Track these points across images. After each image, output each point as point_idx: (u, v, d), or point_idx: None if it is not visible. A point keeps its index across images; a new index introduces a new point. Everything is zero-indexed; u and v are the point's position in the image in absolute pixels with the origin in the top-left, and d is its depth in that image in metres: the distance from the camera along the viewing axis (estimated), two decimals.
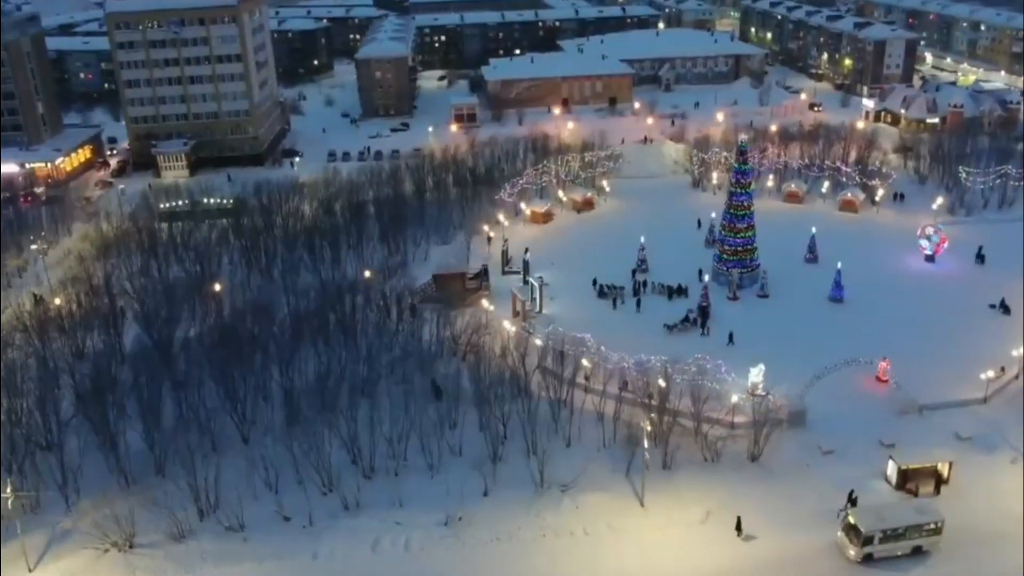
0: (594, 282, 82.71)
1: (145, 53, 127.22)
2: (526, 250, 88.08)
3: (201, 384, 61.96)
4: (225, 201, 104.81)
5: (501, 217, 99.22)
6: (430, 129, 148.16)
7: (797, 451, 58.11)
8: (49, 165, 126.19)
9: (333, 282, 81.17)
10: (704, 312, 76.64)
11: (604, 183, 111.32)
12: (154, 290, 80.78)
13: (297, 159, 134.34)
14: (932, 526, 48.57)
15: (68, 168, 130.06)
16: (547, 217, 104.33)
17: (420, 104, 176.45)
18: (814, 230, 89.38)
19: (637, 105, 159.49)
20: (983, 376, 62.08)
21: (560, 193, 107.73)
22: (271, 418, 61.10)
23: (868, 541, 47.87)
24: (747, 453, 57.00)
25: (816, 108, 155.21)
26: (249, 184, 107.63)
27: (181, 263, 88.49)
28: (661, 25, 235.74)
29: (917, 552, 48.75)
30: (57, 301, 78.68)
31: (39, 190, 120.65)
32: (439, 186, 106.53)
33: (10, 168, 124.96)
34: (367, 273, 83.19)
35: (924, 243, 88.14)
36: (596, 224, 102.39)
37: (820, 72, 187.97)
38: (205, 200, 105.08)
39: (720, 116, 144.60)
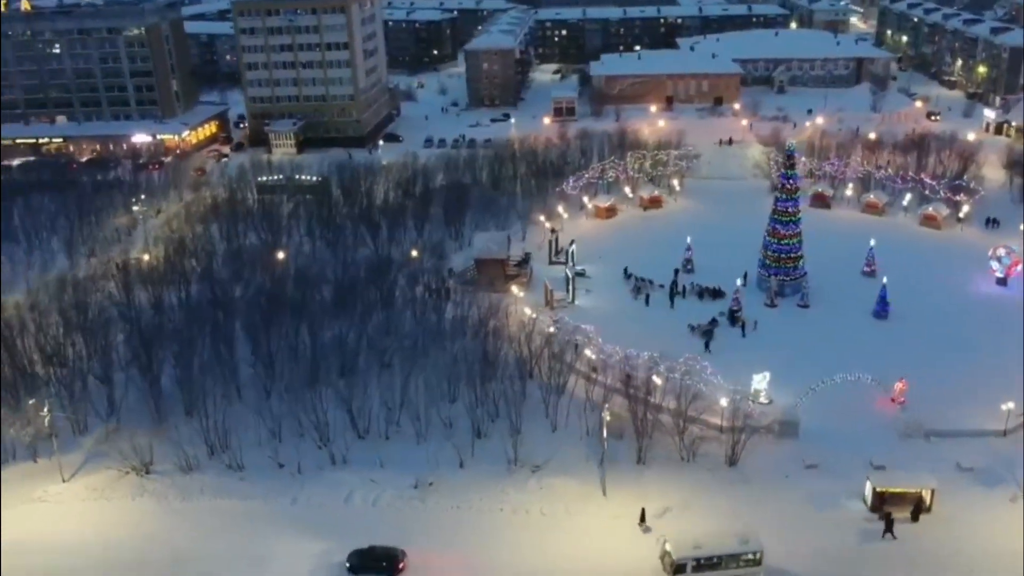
0: (625, 272, 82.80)
1: (264, 39, 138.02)
2: (571, 242, 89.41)
3: (236, 338, 68.45)
4: (313, 178, 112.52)
5: (560, 209, 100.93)
6: (512, 120, 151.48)
7: (780, 461, 56.98)
8: (176, 137, 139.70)
9: (384, 258, 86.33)
10: (733, 316, 75.58)
11: (675, 182, 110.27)
12: (227, 252, 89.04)
13: (381, 143, 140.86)
14: (750, 557, 46.42)
15: (193, 140, 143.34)
16: (610, 212, 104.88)
17: (529, 96, 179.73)
18: (873, 242, 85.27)
19: (737, 106, 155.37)
20: (1004, 407, 58.06)
21: (627, 190, 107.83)
22: (293, 375, 66.37)
23: (680, 569, 46.14)
24: (725, 457, 56.58)
25: (934, 117, 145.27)
26: (352, 164, 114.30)
27: (257, 231, 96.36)
28: (794, 25, 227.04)
29: None
30: (146, 257, 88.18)
31: (166, 159, 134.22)
32: (509, 176, 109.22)
33: (143, 138, 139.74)
34: (413, 252, 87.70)
35: (995, 264, 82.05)
36: (659, 223, 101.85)
37: (952, 79, 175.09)
38: (296, 176, 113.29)
39: (820, 120, 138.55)
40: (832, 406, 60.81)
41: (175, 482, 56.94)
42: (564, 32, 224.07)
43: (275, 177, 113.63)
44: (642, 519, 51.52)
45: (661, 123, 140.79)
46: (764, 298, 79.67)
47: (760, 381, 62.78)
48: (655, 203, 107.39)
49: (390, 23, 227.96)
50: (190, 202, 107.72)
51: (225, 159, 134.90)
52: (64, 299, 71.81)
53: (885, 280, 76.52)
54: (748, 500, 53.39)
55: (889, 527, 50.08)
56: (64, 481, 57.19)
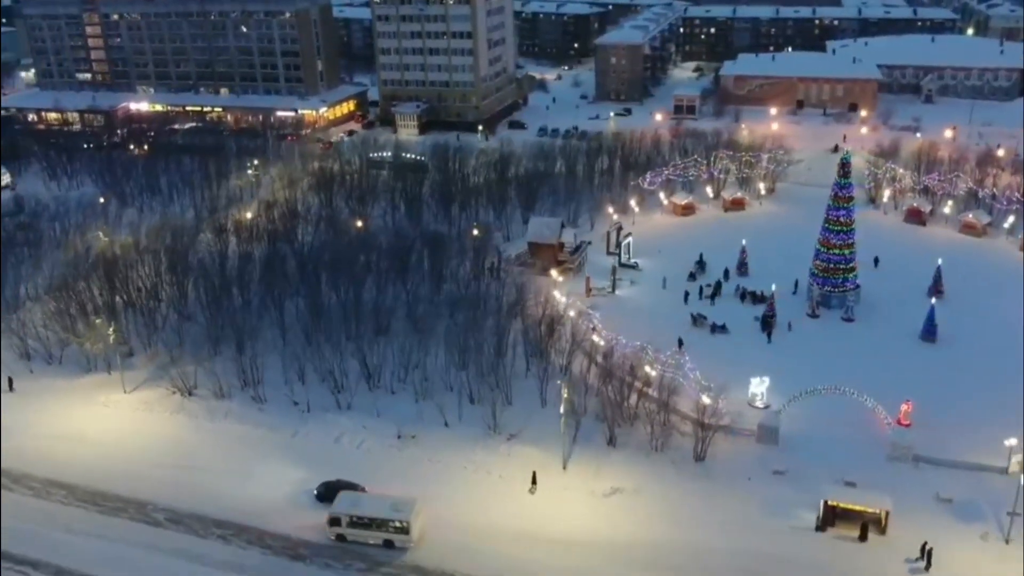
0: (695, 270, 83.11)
1: (396, 26, 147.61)
2: (627, 234, 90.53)
3: (289, 290, 76.46)
4: (416, 157, 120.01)
5: (633, 203, 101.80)
6: (611, 114, 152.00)
7: (750, 464, 56.66)
8: (314, 112, 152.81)
9: (448, 233, 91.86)
10: (766, 322, 74.22)
11: (761, 185, 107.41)
12: (316, 216, 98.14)
13: (480, 128, 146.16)
14: (398, 524, 50.14)
15: (330, 117, 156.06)
16: (687, 210, 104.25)
17: (661, 92, 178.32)
18: (940, 262, 79.84)
19: (864, 113, 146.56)
20: (1007, 443, 54.05)
21: (708, 189, 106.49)
22: (331, 327, 72.93)
23: (336, 522, 50.76)
24: (694, 452, 56.99)
25: None
26: (454, 148, 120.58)
27: (351, 200, 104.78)
28: (970, 31, 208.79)
29: (390, 546, 50.29)
30: (248, 215, 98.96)
31: (304, 132, 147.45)
32: (595, 167, 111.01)
33: (287, 112, 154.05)
34: (475, 231, 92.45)
35: None
36: (735, 225, 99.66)
37: None
38: (402, 154, 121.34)
39: (948, 133, 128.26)
40: (828, 419, 59.46)
41: (208, 406, 65.56)
42: (712, 30, 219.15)
43: (383, 154, 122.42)
44: (533, 482, 54.43)
45: (775, 126, 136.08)
46: (806, 307, 77.44)
47: (757, 385, 62.10)
48: (737, 205, 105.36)
49: (540, 15, 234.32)
50: (305, 171, 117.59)
51: (354, 135, 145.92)
52: (163, 243, 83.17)
53: (934, 301, 72.03)
54: (701, 494, 53.90)
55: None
56: (125, 392, 67.43)
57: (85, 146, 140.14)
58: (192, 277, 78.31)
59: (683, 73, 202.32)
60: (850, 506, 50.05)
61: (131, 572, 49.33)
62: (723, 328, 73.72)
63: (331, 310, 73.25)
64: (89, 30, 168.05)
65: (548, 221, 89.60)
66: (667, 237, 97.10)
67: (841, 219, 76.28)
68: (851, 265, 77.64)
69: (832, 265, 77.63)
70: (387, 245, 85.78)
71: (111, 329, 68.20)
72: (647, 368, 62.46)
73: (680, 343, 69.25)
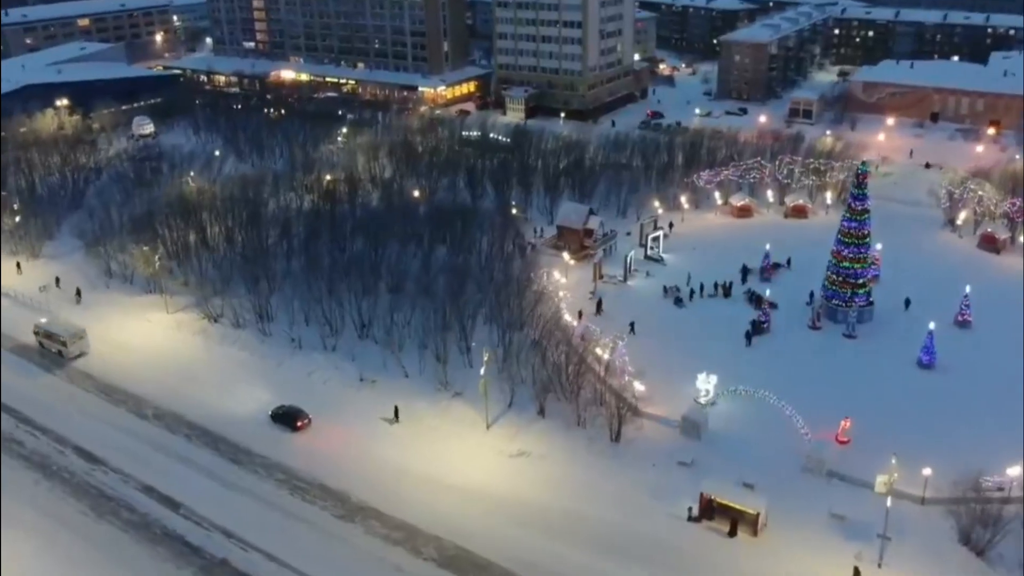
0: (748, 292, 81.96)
1: (514, 12, 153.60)
2: (658, 227, 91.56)
3: (325, 245, 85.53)
4: (503, 139, 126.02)
5: (683, 200, 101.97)
6: (696, 111, 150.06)
7: (662, 452, 58.47)
8: (433, 91, 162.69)
9: (493, 210, 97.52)
10: (755, 327, 73.78)
11: (828, 195, 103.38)
12: (385, 184, 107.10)
13: (562, 115, 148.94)
14: (62, 341, 71.11)
15: (448, 96, 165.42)
16: (744, 212, 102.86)
17: (794, 94, 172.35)
18: (968, 289, 74.71)
19: (991, 131, 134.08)
20: (924, 472, 51.95)
21: (769, 194, 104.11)
22: (351, 278, 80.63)
23: (38, 333, 73.42)
24: (609, 433, 59.49)
25: None
26: (535, 133, 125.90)
27: (425, 174, 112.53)
28: None
29: (60, 355, 71.06)
30: (328, 177, 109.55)
31: (422, 108, 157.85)
32: (662, 162, 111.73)
33: (409, 88, 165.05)
34: (514, 209, 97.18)
35: None
36: (792, 232, 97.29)
37: None
38: (491, 135, 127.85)
39: None
40: (762, 424, 59.80)
41: (224, 332, 76.08)
42: (870, 33, 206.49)
43: (473, 134, 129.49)
44: (396, 416, 62.39)
45: (880, 136, 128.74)
46: (807, 318, 75.76)
47: (703, 381, 62.98)
48: (799, 213, 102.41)
49: (689, 8, 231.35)
50: (391, 141, 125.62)
51: (467, 115, 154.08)
52: (233, 192, 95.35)
53: (932, 326, 68.21)
54: (600, 470, 56.83)
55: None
56: (167, 313, 79.51)
57: (235, 107, 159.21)
58: (244, 224, 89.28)
59: (827, 76, 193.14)
60: (726, 502, 50.92)
61: (111, 449, 60.10)
62: (679, 302, 77.29)
63: (350, 264, 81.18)
64: (255, 3, 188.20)
65: (577, 207, 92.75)
66: (711, 237, 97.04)
67: (854, 231, 73.89)
68: (861, 281, 75.04)
69: (842, 278, 75.40)
70: (428, 215, 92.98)
71: (157, 257, 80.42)
72: (597, 349, 65.25)
73: (632, 327, 71.19)
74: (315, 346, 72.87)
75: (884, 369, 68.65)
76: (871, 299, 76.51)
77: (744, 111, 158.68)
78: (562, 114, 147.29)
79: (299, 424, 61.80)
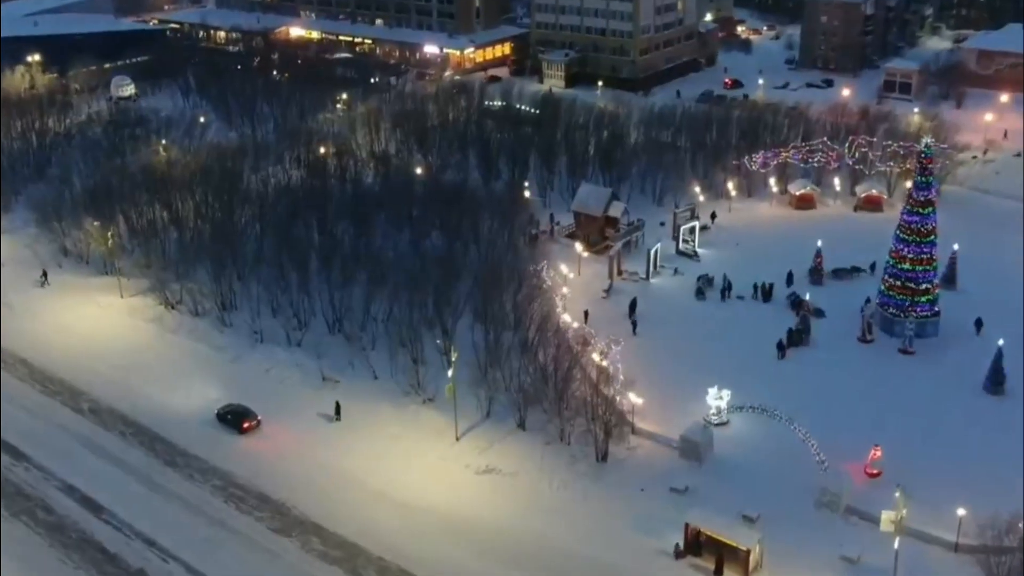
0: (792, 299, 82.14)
1: None
2: (696, 218, 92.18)
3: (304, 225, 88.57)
4: (531, 110, 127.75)
5: (731, 186, 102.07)
6: (760, 82, 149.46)
7: (655, 476, 59.53)
8: (459, 53, 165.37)
9: (503, 192, 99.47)
10: (792, 337, 73.94)
11: (909, 184, 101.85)
12: (382, 158, 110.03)
13: (599, 84, 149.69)
14: None
15: (478, 59, 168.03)
16: (804, 202, 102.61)
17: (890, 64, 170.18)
18: None
19: None
20: (959, 512, 51.72)
21: (836, 181, 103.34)
22: (327, 266, 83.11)
23: None
24: (596, 452, 60.76)
25: None
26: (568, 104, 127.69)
27: (435, 149, 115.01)
28: None
29: None
30: (322, 150, 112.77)
31: (446, 73, 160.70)
32: (711, 141, 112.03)
33: (432, 49, 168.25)
34: (526, 193, 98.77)
35: None
36: (861, 228, 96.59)
37: None
38: (517, 106, 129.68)
39: None
40: (775, 449, 60.16)
41: (181, 320, 79.86)
42: None
43: (497, 103, 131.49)
44: (336, 412, 65.60)
45: (988, 116, 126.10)
46: (858, 330, 75.55)
47: (714, 396, 63.61)
48: (872, 205, 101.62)
49: None
50: (397, 111, 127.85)
51: (497, 81, 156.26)
52: (208, 164, 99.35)
53: (1001, 343, 67.33)
54: (580, 493, 58.18)
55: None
56: (121, 297, 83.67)
57: (233, 68, 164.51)
58: (214, 201, 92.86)
59: (942, 43, 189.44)
60: (714, 535, 51.60)
61: (36, 444, 63.82)
62: (701, 294, 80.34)
63: (327, 249, 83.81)
64: None
65: (597, 190, 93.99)
66: (762, 231, 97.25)
67: (915, 227, 73.43)
68: (926, 286, 74.46)
69: (901, 283, 74.97)
70: (425, 196, 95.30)
71: (110, 234, 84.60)
72: (594, 355, 66.49)
73: (634, 327, 71.94)
74: (278, 340, 75.81)
75: (941, 393, 68.16)
76: (937, 309, 75.97)
77: (829, 83, 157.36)
78: (599, 83, 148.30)
79: (246, 426, 64.69)
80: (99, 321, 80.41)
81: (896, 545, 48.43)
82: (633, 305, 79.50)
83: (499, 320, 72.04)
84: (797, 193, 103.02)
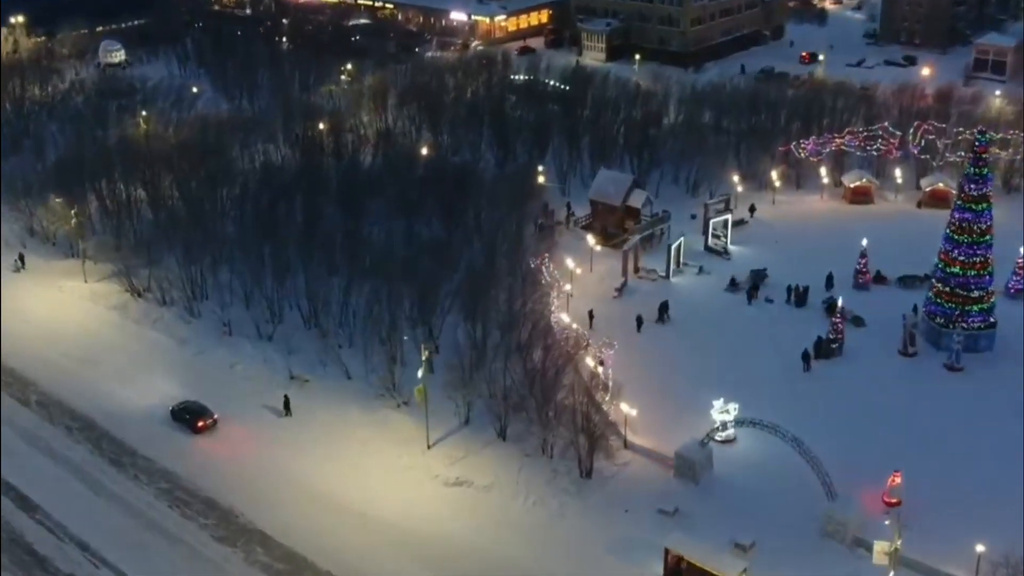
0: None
1: None
2: (730, 206, 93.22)
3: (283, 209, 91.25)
4: (561, 86, 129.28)
5: (774, 175, 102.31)
6: (820, 57, 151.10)
7: (643, 497, 60.51)
8: (489, 20, 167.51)
9: (515, 176, 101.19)
10: (820, 346, 74.34)
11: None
12: (389, 138, 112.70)
13: (636, 57, 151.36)
14: None
15: (511, 28, 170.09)
16: (861, 196, 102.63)
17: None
18: None
19: None
20: (977, 549, 51.93)
21: (898, 173, 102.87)
22: (305, 255, 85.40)
23: None
24: (579, 468, 62.19)
25: None
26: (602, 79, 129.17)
27: (443, 127, 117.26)
28: None
29: None
30: (321, 126, 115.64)
31: (473, 43, 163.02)
32: (753, 124, 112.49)
33: (460, 16, 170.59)
34: (540, 178, 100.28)
35: None
36: (923, 227, 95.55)
37: None
38: (546, 81, 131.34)
39: None
40: (788, 473, 60.59)
41: (146, 309, 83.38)
42: None
43: (523, 77, 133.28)
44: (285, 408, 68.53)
45: None
46: (900, 342, 75.65)
47: (720, 411, 64.39)
48: (939, 200, 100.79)
49: None
50: (406, 85, 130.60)
51: (530, 52, 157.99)
52: (191, 140, 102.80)
53: None
54: (557, 512, 59.51)
55: None
56: (84, 282, 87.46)
57: (237, 33, 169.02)
58: (191, 180, 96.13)
59: None
60: (696, 563, 52.56)
61: None
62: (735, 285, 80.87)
63: (309, 236, 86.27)
64: None
65: (616, 176, 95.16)
66: (808, 227, 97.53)
67: (971, 225, 73.31)
68: (979, 293, 74.27)
69: (951, 289, 74.90)
70: (425, 180, 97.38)
71: (73, 212, 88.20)
72: (588, 359, 67.81)
73: (639, 324, 73.92)
74: (248, 333, 78.59)
75: (986, 416, 67.86)
76: (993, 320, 75.68)
77: (911, 61, 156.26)
78: (636, 56, 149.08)
79: (200, 425, 67.36)
80: (60, 307, 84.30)
81: None
82: (664, 308, 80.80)
83: (487, 319, 73.76)
84: (852, 185, 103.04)
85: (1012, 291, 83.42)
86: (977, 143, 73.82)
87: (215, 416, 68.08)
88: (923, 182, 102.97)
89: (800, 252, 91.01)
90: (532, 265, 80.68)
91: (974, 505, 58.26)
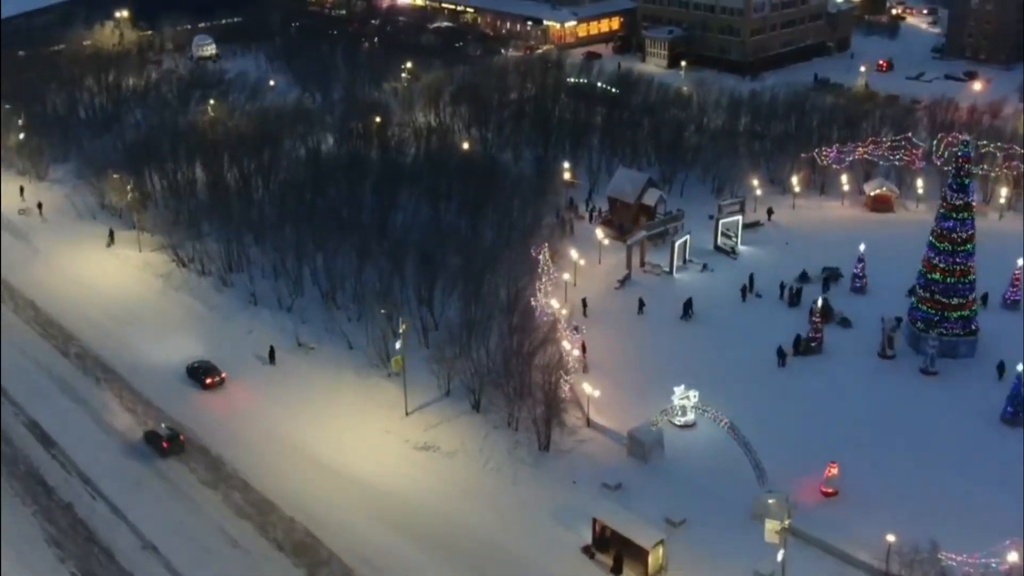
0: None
1: None
2: (744, 208, 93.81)
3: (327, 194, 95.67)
4: (612, 89, 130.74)
5: (794, 181, 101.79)
6: (862, 69, 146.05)
7: (594, 471, 62.27)
8: (560, 26, 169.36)
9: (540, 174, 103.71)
10: (799, 344, 74.49)
11: (1003, 192, 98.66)
12: (432, 129, 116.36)
13: (683, 63, 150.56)
14: None
15: (581, 33, 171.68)
16: (881, 204, 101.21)
17: None
18: None
19: None
20: (888, 538, 52.11)
21: (920, 183, 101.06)
22: (341, 233, 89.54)
23: None
24: (538, 441, 64.56)
25: None
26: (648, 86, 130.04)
27: (491, 125, 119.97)
28: None
29: None
30: (378, 119, 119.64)
31: (543, 48, 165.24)
32: (785, 130, 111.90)
33: (533, 21, 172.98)
34: (566, 175, 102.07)
35: None
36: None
37: None
38: (597, 84, 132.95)
39: None
40: (740, 459, 61.43)
41: (188, 279, 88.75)
42: None
43: (579, 80, 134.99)
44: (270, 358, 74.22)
45: None
46: (879, 345, 75.13)
47: (680, 396, 65.52)
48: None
49: None
50: (468, 85, 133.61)
51: (597, 58, 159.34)
52: (252, 127, 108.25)
53: (1021, 368, 65.64)
54: (511, 480, 62.04)
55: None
56: (139, 252, 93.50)
57: (330, 32, 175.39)
58: (247, 164, 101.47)
59: None
60: (617, 531, 54.13)
61: (19, 382, 73.36)
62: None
63: (336, 219, 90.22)
64: None
65: (633, 175, 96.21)
66: (823, 232, 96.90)
67: (953, 234, 72.37)
68: (959, 301, 73.22)
69: (933, 296, 73.97)
70: (461, 171, 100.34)
71: (129, 188, 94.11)
72: (565, 343, 69.70)
73: (640, 306, 75.70)
74: (270, 304, 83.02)
75: (951, 419, 67.32)
76: (974, 328, 74.54)
77: (971, 76, 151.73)
78: (683, 62, 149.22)
79: (209, 381, 71.90)
80: (113, 272, 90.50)
81: (780, 557, 49.76)
82: (688, 305, 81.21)
83: (479, 300, 76.30)
84: (872, 194, 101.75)
85: (1008, 301, 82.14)
86: (960, 153, 72.92)
87: (223, 375, 72.61)
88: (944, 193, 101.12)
89: (808, 255, 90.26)
90: (533, 251, 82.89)
91: (906, 499, 58.46)
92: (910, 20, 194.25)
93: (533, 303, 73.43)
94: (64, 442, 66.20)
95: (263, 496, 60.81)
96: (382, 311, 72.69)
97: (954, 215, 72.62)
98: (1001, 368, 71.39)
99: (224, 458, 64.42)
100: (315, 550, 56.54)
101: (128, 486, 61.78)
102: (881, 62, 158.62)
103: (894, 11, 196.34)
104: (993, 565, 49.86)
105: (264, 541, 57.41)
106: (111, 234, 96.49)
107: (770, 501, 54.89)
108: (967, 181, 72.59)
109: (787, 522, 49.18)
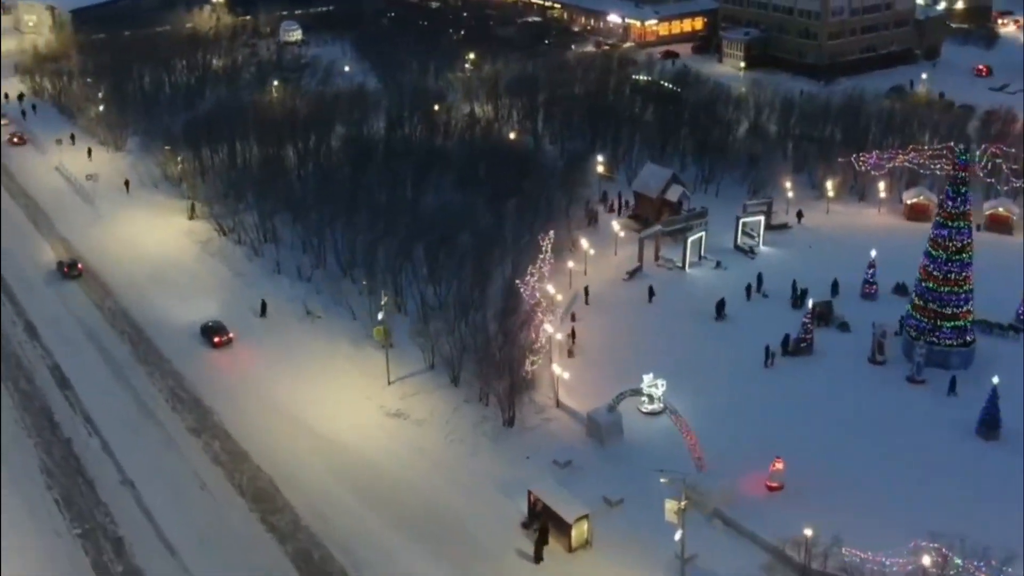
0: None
1: None
2: (771, 209, 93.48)
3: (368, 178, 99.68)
4: (672, 87, 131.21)
5: (829, 186, 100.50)
6: (923, 76, 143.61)
7: (552, 449, 64.23)
8: (641, 24, 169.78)
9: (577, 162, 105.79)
10: (788, 345, 74.50)
11: None
12: (482, 120, 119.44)
13: (742, 64, 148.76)
14: None
15: (662, 32, 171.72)
16: (917, 213, 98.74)
17: None
18: None
19: None
20: (806, 532, 52.38)
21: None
22: (369, 214, 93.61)
23: None
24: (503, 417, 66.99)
25: None
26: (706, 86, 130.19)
27: (546, 119, 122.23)
28: None
29: None
30: (436, 108, 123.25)
31: (625, 44, 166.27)
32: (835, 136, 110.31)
33: (615, 18, 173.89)
34: (599, 167, 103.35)
35: None
36: (980, 252, 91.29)
37: None
38: (661, 82, 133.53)
39: None
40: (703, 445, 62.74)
41: (224, 247, 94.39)
42: None
43: (644, 78, 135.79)
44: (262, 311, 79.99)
45: None
46: (870, 350, 74.27)
47: (648, 384, 66.73)
48: (999, 224, 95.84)
49: None
50: (519, 78, 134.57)
51: (674, 58, 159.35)
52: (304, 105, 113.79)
53: (996, 380, 64.09)
54: (471, 451, 64.42)
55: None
56: (188, 219, 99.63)
57: (421, 23, 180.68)
58: (301, 143, 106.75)
59: None
60: (546, 504, 55.97)
61: (53, 328, 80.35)
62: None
63: (358, 199, 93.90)
64: None
65: (657, 170, 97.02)
66: (853, 238, 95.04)
67: (950, 242, 71.10)
68: (955, 311, 71.80)
69: (927, 305, 72.73)
70: (496, 159, 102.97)
71: (179, 159, 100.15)
72: (547, 325, 71.69)
73: (650, 295, 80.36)
74: (291, 276, 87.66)
75: (925, 428, 66.18)
76: (970, 339, 72.97)
77: None
78: (742, 63, 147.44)
79: (217, 340, 76.90)
80: (160, 237, 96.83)
81: (678, 536, 50.85)
82: (720, 306, 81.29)
83: (479, 280, 78.92)
84: (909, 202, 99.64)
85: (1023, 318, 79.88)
86: (957, 159, 71.47)
87: (231, 335, 77.53)
88: (986, 205, 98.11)
89: (828, 260, 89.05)
90: (541, 237, 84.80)
91: (849, 498, 58.27)
92: (1011, 30, 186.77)
93: (520, 285, 75.46)
94: (79, 385, 72.14)
95: (239, 447, 65.15)
96: (363, 283, 76.19)
97: (950, 223, 71.29)
98: (953, 383, 70.15)
99: (214, 410, 69.14)
100: (273, 498, 60.48)
101: (124, 428, 67.15)
102: (980, 67, 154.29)
103: (1000, 21, 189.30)
104: (887, 563, 49.85)
105: (229, 486, 61.72)
106: (192, 207, 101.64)
107: (662, 480, 55.81)
108: (964, 189, 71.17)
109: (683, 503, 50.17)
